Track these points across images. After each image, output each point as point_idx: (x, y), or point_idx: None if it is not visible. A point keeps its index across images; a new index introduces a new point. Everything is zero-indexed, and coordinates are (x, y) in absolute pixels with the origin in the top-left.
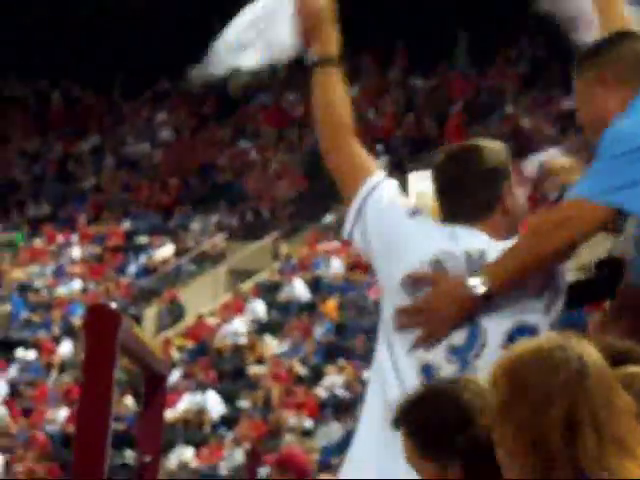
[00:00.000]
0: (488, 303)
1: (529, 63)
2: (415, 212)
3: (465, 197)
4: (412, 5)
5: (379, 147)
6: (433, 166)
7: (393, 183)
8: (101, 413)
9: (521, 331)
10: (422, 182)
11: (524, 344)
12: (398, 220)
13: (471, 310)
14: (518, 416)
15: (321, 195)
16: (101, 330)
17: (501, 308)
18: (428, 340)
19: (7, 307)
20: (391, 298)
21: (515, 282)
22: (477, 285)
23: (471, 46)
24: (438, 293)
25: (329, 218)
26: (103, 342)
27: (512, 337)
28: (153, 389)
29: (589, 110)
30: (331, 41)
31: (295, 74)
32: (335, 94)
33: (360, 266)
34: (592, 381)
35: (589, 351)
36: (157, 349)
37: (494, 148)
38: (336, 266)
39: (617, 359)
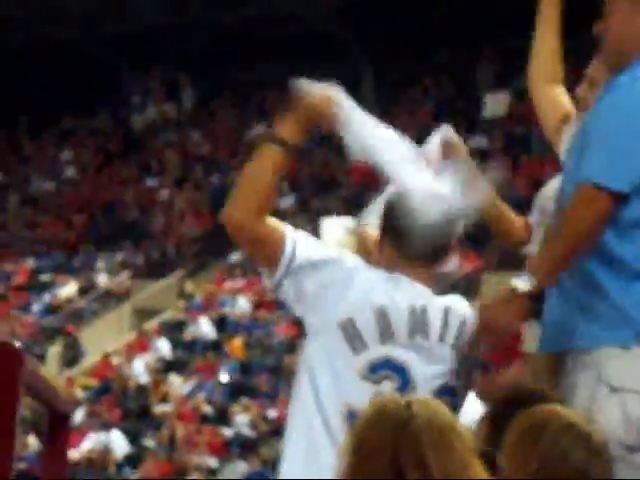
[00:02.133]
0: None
1: (434, 102)
2: (356, 260)
3: (430, 240)
4: (306, 43)
5: (284, 186)
6: (392, 206)
7: (311, 236)
8: (4, 452)
9: (443, 392)
10: (335, 228)
11: (371, 405)
12: (338, 268)
13: (523, 311)
14: (355, 467)
15: (227, 233)
16: (4, 368)
17: (432, 366)
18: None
19: None
20: (324, 340)
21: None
22: (522, 286)
23: (377, 84)
24: (491, 317)
25: (235, 256)
26: (6, 381)
27: (436, 396)
28: (57, 428)
29: (616, 30)
30: (302, 132)
31: (200, 112)
32: (276, 174)
33: (266, 305)
34: (418, 428)
35: (422, 404)
36: (61, 388)
37: None
38: (242, 304)
39: (529, 399)
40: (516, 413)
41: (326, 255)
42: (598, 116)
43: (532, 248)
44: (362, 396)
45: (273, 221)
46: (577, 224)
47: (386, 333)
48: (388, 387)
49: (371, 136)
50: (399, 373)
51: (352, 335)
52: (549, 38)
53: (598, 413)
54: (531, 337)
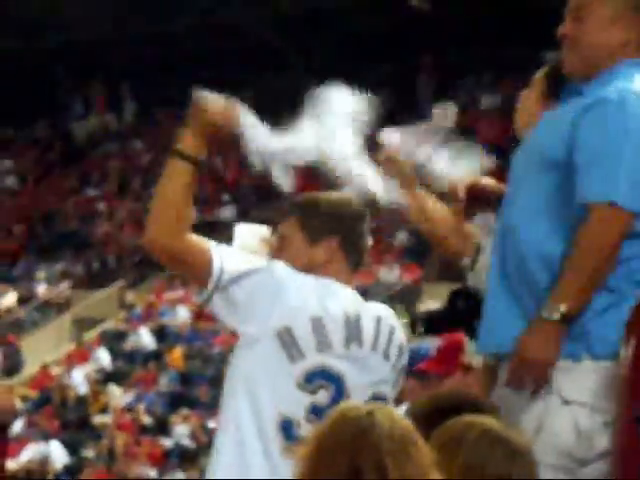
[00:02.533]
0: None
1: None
2: (286, 267)
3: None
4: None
5: (225, 197)
6: (340, 213)
7: (235, 249)
8: None
9: (376, 399)
10: (248, 235)
11: (333, 413)
12: (268, 275)
13: (559, 337)
14: (312, 468)
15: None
16: None
17: (366, 375)
18: (540, 388)
19: None
20: (261, 349)
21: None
22: (552, 314)
23: None
24: (526, 349)
25: None
26: None
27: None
28: None
29: (591, 38)
30: (203, 145)
31: (141, 122)
32: (186, 189)
33: (206, 315)
34: (379, 437)
35: (383, 410)
36: (1, 398)
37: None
38: (182, 315)
39: (449, 409)
40: (441, 421)
41: (254, 265)
42: (595, 134)
43: (483, 259)
44: (298, 405)
45: (195, 238)
46: (600, 243)
47: (323, 342)
48: (323, 397)
49: (276, 144)
50: (334, 382)
51: (289, 343)
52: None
53: (550, 424)
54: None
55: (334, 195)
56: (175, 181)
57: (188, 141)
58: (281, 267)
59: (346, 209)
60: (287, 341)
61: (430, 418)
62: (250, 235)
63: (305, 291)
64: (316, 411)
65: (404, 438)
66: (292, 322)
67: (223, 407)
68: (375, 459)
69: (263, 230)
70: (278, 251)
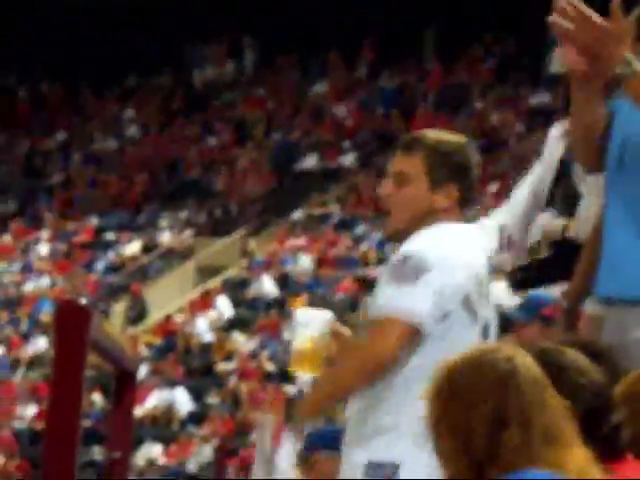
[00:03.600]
0: None
1: (497, 59)
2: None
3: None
4: (380, 2)
5: (347, 143)
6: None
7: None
8: (71, 409)
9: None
10: (312, 320)
11: (458, 354)
12: (443, 274)
13: None
14: (452, 416)
15: (289, 191)
16: (71, 326)
17: (493, 323)
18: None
19: None
20: (450, 320)
21: None
22: None
23: (438, 42)
24: None
25: (297, 214)
26: (73, 339)
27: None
28: (123, 386)
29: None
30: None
31: (262, 71)
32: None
33: (328, 263)
34: (521, 381)
35: (519, 354)
36: (126, 346)
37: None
38: (304, 262)
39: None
40: None
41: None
42: None
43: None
44: None
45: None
46: None
47: (482, 298)
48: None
49: None
50: (488, 336)
51: (469, 307)
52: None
53: None
54: None
55: (460, 140)
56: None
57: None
58: (433, 252)
59: (470, 158)
60: (467, 305)
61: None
62: (316, 320)
63: (465, 251)
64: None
65: (541, 383)
66: (468, 288)
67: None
68: (520, 404)
69: (325, 315)
70: (396, 188)
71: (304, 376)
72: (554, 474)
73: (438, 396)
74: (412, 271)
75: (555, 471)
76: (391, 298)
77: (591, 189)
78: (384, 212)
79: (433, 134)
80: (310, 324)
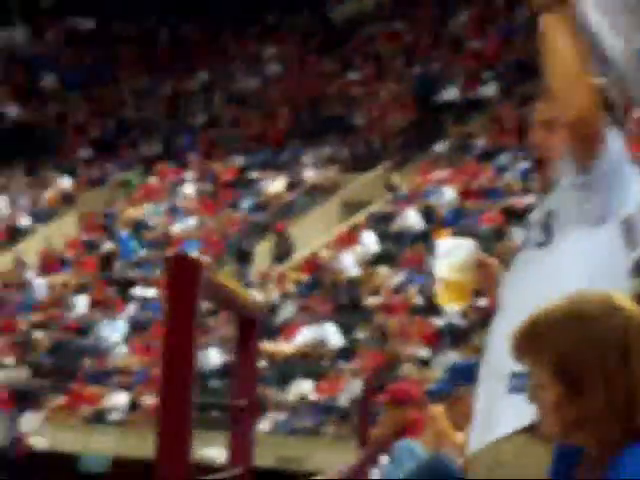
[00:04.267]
0: None
1: None
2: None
3: None
4: None
5: (488, 74)
6: None
7: None
8: (184, 361)
9: None
10: (455, 251)
11: (569, 304)
12: (625, 167)
13: None
14: (581, 349)
15: (431, 123)
16: (182, 279)
17: None
18: None
19: (121, 247)
20: (605, 233)
21: None
22: None
23: None
24: None
25: (440, 147)
26: (184, 291)
27: None
28: (245, 333)
29: None
30: None
31: (400, 3)
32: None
33: (473, 194)
34: (633, 345)
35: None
36: (245, 295)
37: None
38: (448, 194)
39: None
40: None
41: (619, 148)
42: None
43: None
44: (626, 292)
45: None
46: None
47: None
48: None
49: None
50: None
51: (629, 232)
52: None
53: None
54: None
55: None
56: (564, 40)
57: None
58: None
59: (617, 97)
60: (628, 230)
61: None
62: (456, 249)
63: (637, 177)
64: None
65: None
66: (634, 212)
67: (543, 284)
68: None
69: (467, 243)
70: (550, 134)
71: (451, 307)
72: None
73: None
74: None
75: None
76: None
77: None
78: (538, 162)
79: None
80: (453, 253)
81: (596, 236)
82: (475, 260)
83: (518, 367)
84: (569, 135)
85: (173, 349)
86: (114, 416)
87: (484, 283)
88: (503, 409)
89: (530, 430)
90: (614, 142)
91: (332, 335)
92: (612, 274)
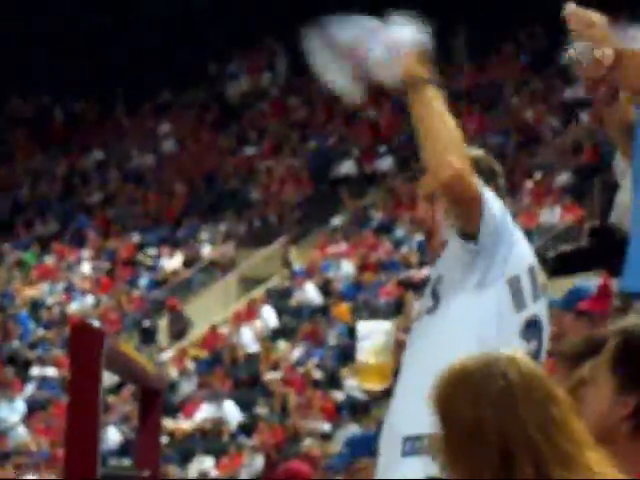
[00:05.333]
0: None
1: (529, 55)
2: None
3: None
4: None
5: (383, 147)
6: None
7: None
8: (88, 429)
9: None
10: (373, 332)
11: (451, 367)
12: (507, 222)
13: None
14: (453, 449)
15: (327, 197)
16: (85, 348)
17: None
18: None
19: (19, 327)
20: (493, 295)
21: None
22: None
23: (470, 40)
24: None
25: (337, 220)
26: (87, 359)
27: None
28: (148, 404)
29: None
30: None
31: (295, 78)
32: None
33: (370, 267)
34: (519, 398)
35: (518, 365)
36: (148, 366)
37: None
38: (346, 268)
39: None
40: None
41: (500, 210)
42: None
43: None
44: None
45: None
46: None
47: (535, 291)
48: (533, 346)
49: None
50: (540, 332)
51: (516, 292)
52: None
53: None
54: None
55: (481, 152)
56: (435, 108)
57: (419, 68)
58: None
59: (495, 165)
60: (515, 290)
61: (581, 358)
62: (376, 332)
63: (523, 240)
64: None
65: (545, 396)
66: (520, 271)
67: (434, 349)
68: (524, 435)
69: (386, 325)
70: (432, 207)
71: (372, 389)
72: None
73: (438, 424)
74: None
75: None
76: None
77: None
78: (425, 235)
79: None
80: (372, 336)
81: (483, 297)
82: (394, 341)
83: (412, 431)
84: (444, 198)
85: (78, 418)
86: None
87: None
88: (394, 474)
89: None
90: (494, 203)
91: (232, 411)
92: (501, 334)
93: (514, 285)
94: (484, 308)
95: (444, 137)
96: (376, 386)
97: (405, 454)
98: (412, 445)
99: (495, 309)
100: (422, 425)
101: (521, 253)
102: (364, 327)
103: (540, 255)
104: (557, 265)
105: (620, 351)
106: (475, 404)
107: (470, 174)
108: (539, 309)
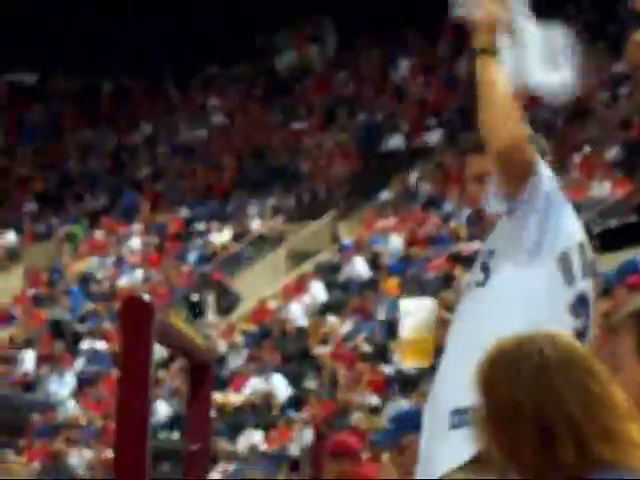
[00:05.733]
0: None
1: (578, 28)
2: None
3: None
4: None
5: (432, 121)
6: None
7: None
8: (139, 403)
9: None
10: (416, 309)
11: (491, 347)
12: (561, 200)
13: None
14: (494, 429)
15: (376, 172)
16: (135, 321)
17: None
18: None
19: (68, 300)
20: (541, 269)
21: None
22: None
23: None
24: None
25: (385, 195)
26: (138, 334)
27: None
28: (198, 377)
29: None
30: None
31: (343, 53)
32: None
33: (419, 241)
34: (556, 374)
35: (554, 341)
36: (198, 339)
37: None
38: (395, 243)
39: None
40: None
41: (552, 182)
42: None
43: None
44: (566, 329)
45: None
46: None
47: (584, 268)
48: (581, 322)
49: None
50: (587, 309)
51: (566, 267)
52: None
53: None
54: None
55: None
56: (496, 78)
57: (484, 38)
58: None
59: (543, 142)
60: (564, 265)
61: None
62: (418, 309)
63: (573, 214)
64: (579, 336)
65: (585, 373)
66: (570, 246)
67: (482, 322)
68: (563, 412)
69: (428, 302)
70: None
71: (415, 364)
72: (624, 474)
73: (479, 405)
74: None
75: (622, 466)
76: None
77: None
78: (475, 215)
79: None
80: (415, 313)
81: (534, 272)
82: (436, 318)
83: (460, 404)
84: (498, 163)
85: (129, 391)
86: (71, 472)
87: (446, 340)
88: (441, 447)
89: (471, 464)
90: (546, 174)
91: (280, 385)
92: (551, 309)
93: (564, 260)
94: (534, 283)
95: (506, 106)
96: (418, 363)
97: (454, 427)
98: (460, 418)
99: (545, 284)
100: (471, 398)
101: (571, 228)
102: (406, 305)
103: (588, 230)
104: (606, 240)
105: None
106: (511, 383)
107: (527, 142)
108: (588, 286)
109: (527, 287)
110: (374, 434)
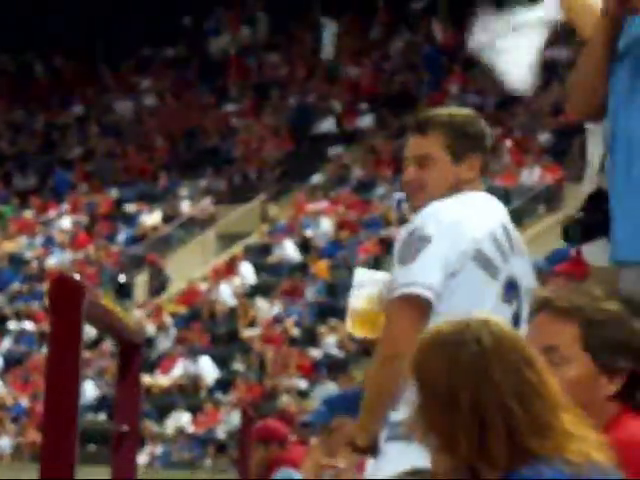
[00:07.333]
0: None
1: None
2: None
3: None
4: None
5: (363, 105)
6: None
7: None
8: (70, 382)
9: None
10: (368, 281)
11: (426, 332)
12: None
13: None
14: (429, 416)
15: (308, 155)
16: (65, 301)
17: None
18: None
19: None
20: (463, 276)
21: None
22: None
23: (448, 4)
24: None
25: (316, 178)
26: (68, 313)
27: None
28: (128, 358)
29: None
30: None
31: (276, 36)
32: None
33: (349, 225)
34: (492, 363)
35: (491, 329)
36: (128, 319)
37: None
38: (326, 226)
39: None
40: None
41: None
42: None
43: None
44: (504, 318)
45: None
46: None
47: (502, 253)
48: (514, 307)
49: None
50: (517, 291)
51: (485, 263)
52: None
53: None
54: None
55: (470, 112)
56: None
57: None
58: (446, 212)
59: (484, 127)
60: (483, 261)
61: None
62: (373, 281)
63: (473, 218)
64: (516, 321)
65: (521, 361)
66: (479, 239)
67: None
68: (496, 396)
69: (383, 275)
70: (420, 171)
71: (362, 337)
72: (556, 467)
73: (415, 391)
74: (413, 248)
75: (555, 458)
76: (398, 279)
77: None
78: (409, 196)
79: (444, 110)
80: (368, 285)
81: (457, 283)
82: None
83: (394, 417)
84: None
85: (59, 372)
86: None
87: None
88: (377, 459)
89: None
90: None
91: (208, 367)
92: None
93: (480, 258)
94: (460, 294)
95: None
96: (367, 334)
97: (389, 439)
98: (393, 431)
99: (473, 290)
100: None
101: (471, 228)
102: (361, 275)
103: (570, 220)
104: (581, 233)
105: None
106: (449, 370)
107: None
108: (513, 267)
109: (456, 298)
110: (305, 415)
